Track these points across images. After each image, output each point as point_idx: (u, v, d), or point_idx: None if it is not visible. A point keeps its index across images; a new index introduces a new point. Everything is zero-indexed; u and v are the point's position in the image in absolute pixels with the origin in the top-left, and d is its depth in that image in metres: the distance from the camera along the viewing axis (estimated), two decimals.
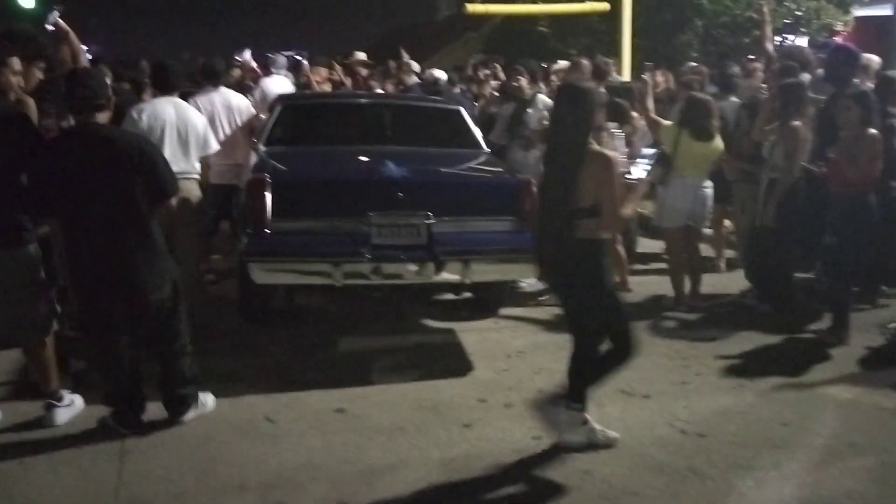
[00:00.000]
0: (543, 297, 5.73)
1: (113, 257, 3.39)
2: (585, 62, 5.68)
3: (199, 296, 5.22)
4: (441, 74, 8.59)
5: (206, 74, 6.13)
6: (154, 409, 3.69)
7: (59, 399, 3.69)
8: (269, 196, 4.44)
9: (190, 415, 3.69)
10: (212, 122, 5.54)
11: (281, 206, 4.45)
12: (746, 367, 4.62)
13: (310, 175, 4.88)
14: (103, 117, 3.47)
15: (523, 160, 6.17)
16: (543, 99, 6.45)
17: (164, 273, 3.52)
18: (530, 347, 4.91)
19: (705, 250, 6.38)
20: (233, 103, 6.00)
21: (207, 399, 3.80)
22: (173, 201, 3.66)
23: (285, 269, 4.48)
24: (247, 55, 9.25)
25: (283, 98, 6.18)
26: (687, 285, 5.75)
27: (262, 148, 5.31)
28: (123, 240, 3.38)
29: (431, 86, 8.18)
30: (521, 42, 19.04)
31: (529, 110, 6.49)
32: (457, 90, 8.61)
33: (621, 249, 6.24)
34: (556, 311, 5.58)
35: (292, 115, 5.75)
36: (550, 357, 4.72)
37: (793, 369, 4.55)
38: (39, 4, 27.36)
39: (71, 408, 3.73)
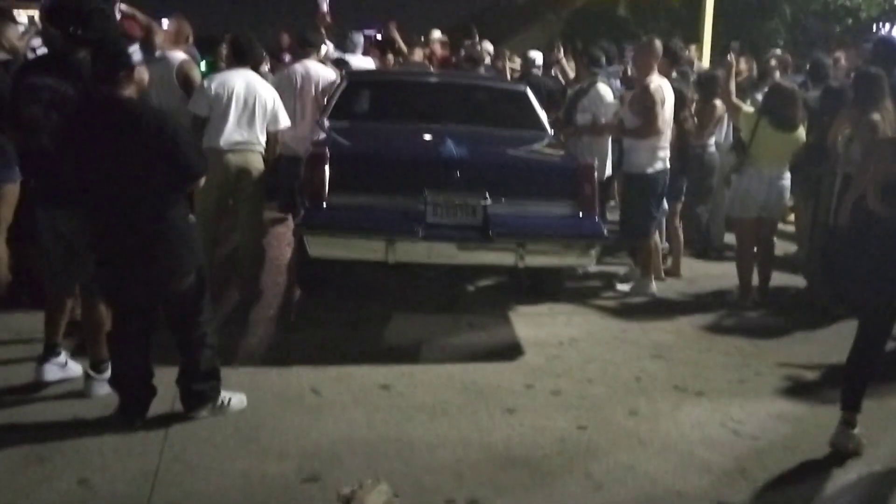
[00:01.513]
0: (624, 288, 5.60)
1: (129, 240, 3.25)
2: (657, 42, 5.44)
3: (260, 267, 5.31)
4: (537, 55, 8.44)
5: (299, 43, 6.57)
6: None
7: (102, 370, 3.66)
8: (327, 170, 4.45)
9: (203, 412, 3.49)
10: (299, 91, 6.05)
11: (338, 181, 4.46)
12: (810, 370, 4.41)
13: (368, 151, 4.88)
14: (127, 91, 3.27)
15: (575, 146, 6.00)
16: (601, 88, 6.24)
17: (185, 260, 3.33)
18: (584, 336, 4.81)
19: (783, 246, 6.13)
20: (313, 74, 6.15)
21: (233, 399, 3.57)
22: (201, 182, 3.47)
23: (339, 243, 4.48)
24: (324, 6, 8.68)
25: (348, 73, 6.19)
26: (756, 279, 5.53)
27: (325, 122, 5.34)
28: (141, 222, 3.23)
29: (528, 67, 8.09)
30: (600, 25, 18.66)
31: (584, 100, 6.30)
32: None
33: (680, 232, 6.06)
34: (614, 300, 5.50)
35: (356, 91, 5.75)
36: (603, 347, 4.62)
37: None
38: None
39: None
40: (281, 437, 3.40)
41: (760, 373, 4.33)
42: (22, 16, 5.38)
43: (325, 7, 8.52)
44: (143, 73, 3.36)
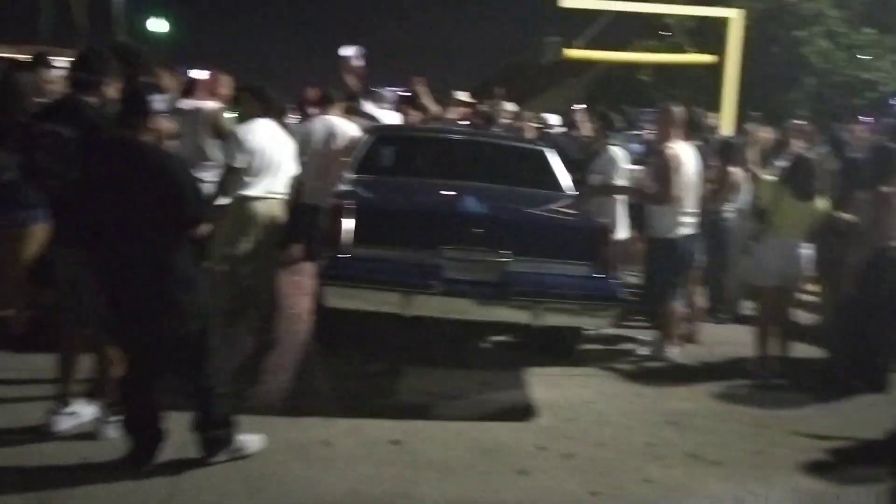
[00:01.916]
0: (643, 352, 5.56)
1: (132, 281, 3.28)
2: (677, 109, 5.51)
3: (275, 314, 5.34)
4: (554, 119, 8.59)
5: (322, 101, 6.71)
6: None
7: (116, 412, 3.62)
8: (348, 222, 4.51)
9: (221, 457, 3.48)
10: (322, 144, 6.22)
11: (358, 233, 4.51)
12: (829, 442, 4.31)
13: (389, 204, 4.94)
14: (143, 136, 3.34)
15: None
16: (613, 151, 6.32)
17: (187, 305, 3.32)
18: (600, 398, 4.75)
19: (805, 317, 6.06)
20: (336, 129, 6.29)
21: (248, 443, 3.57)
22: (203, 228, 3.48)
23: (356, 294, 4.50)
24: (351, 52, 8.41)
25: (373, 128, 6.30)
26: (774, 349, 5.46)
27: (347, 175, 5.42)
28: (143, 263, 3.26)
29: (543, 128, 8.24)
30: (621, 90, 18.95)
31: (597, 162, 6.38)
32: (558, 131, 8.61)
33: (698, 299, 6.03)
34: (631, 364, 5.45)
35: (380, 145, 5.85)
36: (618, 411, 4.57)
37: (884, 455, 4.20)
38: (170, 30, 29.19)
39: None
40: (288, 489, 3.36)
41: (778, 444, 4.25)
42: (61, 61, 5.57)
43: (356, 62, 8.47)
44: (161, 122, 3.44)
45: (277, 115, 5.33)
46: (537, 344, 5.49)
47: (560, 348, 5.40)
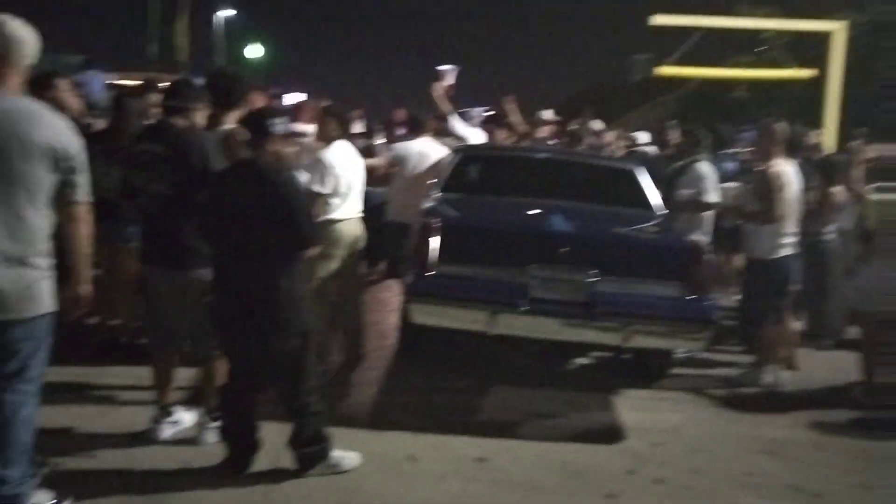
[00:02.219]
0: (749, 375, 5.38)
1: (241, 295, 3.40)
2: (779, 126, 5.31)
3: (362, 331, 5.43)
4: (644, 137, 8.48)
5: (411, 125, 6.81)
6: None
7: (214, 418, 3.79)
8: (435, 240, 4.56)
9: (315, 471, 3.56)
10: (412, 166, 6.24)
11: (445, 251, 4.54)
12: None
13: (476, 223, 4.96)
14: (264, 157, 3.45)
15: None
16: (701, 167, 6.16)
17: (290, 324, 3.42)
18: (690, 424, 4.61)
19: None
20: (425, 152, 6.40)
21: (346, 460, 3.63)
22: (313, 251, 3.57)
23: (442, 311, 4.53)
24: (448, 70, 8.31)
25: (461, 147, 6.36)
26: (881, 376, 5.16)
27: (436, 194, 5.49)
28: (254, 281, 3.36)
29: (631, 146, 8.15)
30: (715, 107, 18.47)
31: (684, 178, 6.22)
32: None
33: (795, 323, 5.78)
34: (724, 389, 5.26)
35: (468, 164, 5.90)
36: (712, 438, 4.42)
37: None
38: (265, 56, 30.43)
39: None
40: (376, 502, 3.40)
41: (884, 478, 4.01)
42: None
43: (449, 80, 8.47)
44: (281, 144, 3.52)
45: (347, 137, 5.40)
46: (626, 365, 5.39)
47: (650, 370, 5.28)
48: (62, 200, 2.87)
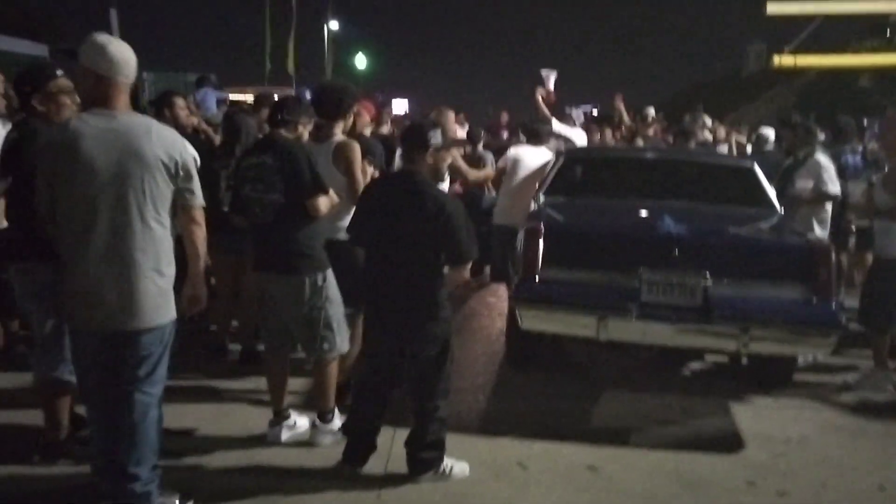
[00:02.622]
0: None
1: (389, 300, 3.50)
2: None
3: (469, 337, 5.46)
4: (770, 132, 8.14)
5: (526, 132, 6.96)
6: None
7: (328, 421, 3.95)
8: (542, 243, 4.51)
9: (426, 476, 3.61)
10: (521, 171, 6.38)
11: (553, 255, 4.49)
12: None
13: (583, 226, 4.87)
14: (423, 165, 3.52)
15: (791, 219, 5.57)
16: (820, 158, 5.81)
17: (434, 334, 3.49)
18: (816, 433, 4.36)
19: None
20: (532, 157, 6.48)
21: (455, 467, 3.67)
22: (467, 267, 3.56)
23: (551, 317, 4.48)
24: (550, 77, 8.49)
25: (566, 150, 6.29)
26: None
27: (541, 197, 5.44)
28: (403, 289, 3.45)
29: (760, 145, 7.85)
30: (837, 97, 17.45)
31: (802, 170, 5.90)
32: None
33: None
34: (852, 396, 4.94)
35: (573, 167, 5.82)
36: (839, 448, 4.17)
37: None
38: (369, 65, 31.19)
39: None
40: None
41: None
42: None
43: (550, 86, 8.49)
44: (436, 156, 3.57)
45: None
46: (745, 371, 5.16)
47: (771, 377, 5.03)
48: (179, 206, 3.03)
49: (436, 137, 3.52)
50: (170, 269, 3.02)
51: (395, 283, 3.47)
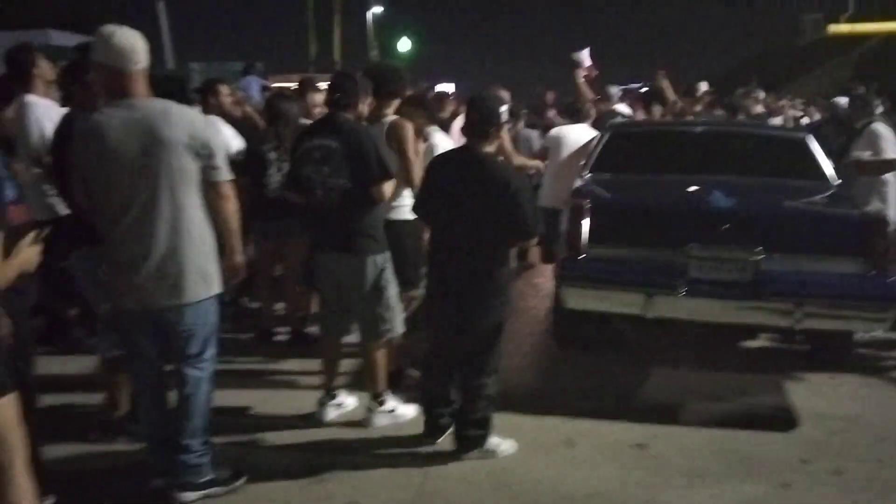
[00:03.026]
0: None
1: (456, 274, 3.52)
2: None
3: (517, 316, 5.44)
4: (843, 101, 7.90)
5: (568, 112, 6.97)
6: None
7: (381, 402, 3.98)
8: (586, 221, 4.46)
9: (473, 454, 3.63)
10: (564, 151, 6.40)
11: (598, 232, 4.43)
12: None
13: (628, 202, 4.79)
14: (488, 146, 3.54)
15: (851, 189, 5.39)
16: (878, 127, 5.61)
17: (491, 309, 3.53)
18: (873, 411, 4.23)
19: None
20: (576, 138, 6.42)
21: (501, 446, 3.68)
22: (533, 241, 3.59)
23: (596, 295, 4.44)
24: (584, 56, 8.46)
25: (612, 125, 6.19)
26: None
27: (586, 174, 5.37)
28: (473, 262, 3.49)
29: (802, 115, 7.68)
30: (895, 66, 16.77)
31: (859, 140, 5.71)
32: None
33: None
34: None
35: (620, 142, 5.71)
36: None
37: None
38: (414, 48, 31.20)
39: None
40: (532, 486, 3.40)
41: None
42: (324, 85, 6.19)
43: (587, 62, 8.39)
44: (504, 136, 3.63)
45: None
46: (799, 348, 5.03)
47: (827, 354, 4.90)
48: (207, 183, 3.07)
49: (505, 114, 3.53)
50: (205, 246, 3.08)
51: (460, 259, 3.50)
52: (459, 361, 3.65)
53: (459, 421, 3.65)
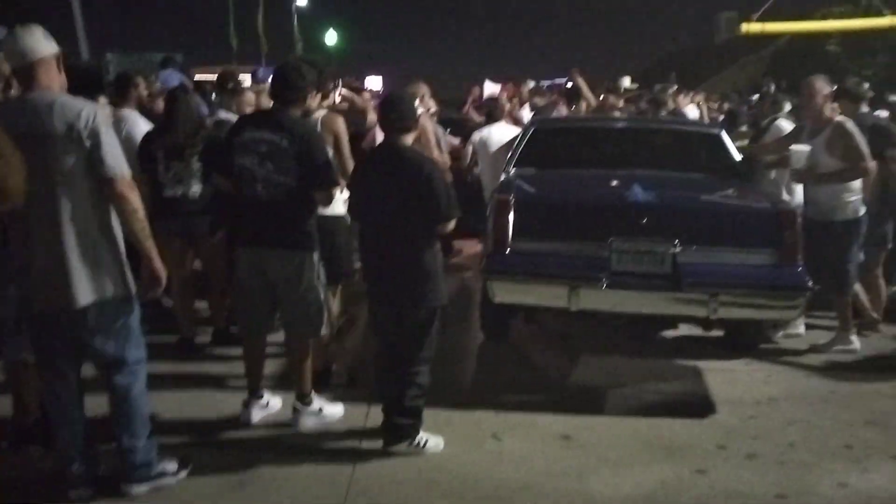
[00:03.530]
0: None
1: (387, 264, 3.59)
2: (819, 82, 5.01)
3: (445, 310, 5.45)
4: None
5: (487, 114, 7.05)
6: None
7: (307, 403, 3.91)
8: (511, 216, 4.50)
9: (401, 446, 3.63)
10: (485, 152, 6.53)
11: (522, 227, 4.49)
12: None
13: (552, 197, 4.87)
14: (408, 138, 3.63)
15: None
16: (780, 125, 5.90)
17: (423, 296, 3.56)
18: (785, 395, 4.43)
19: None
20: (504, 135, 6.52)
21: (430, 441, 3.68)
22: (450, 225, 3.64)
23: (523, 289, 4.49)
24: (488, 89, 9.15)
25: (534, 121, 6.27)
26: None
27: (510, 169, 5.42)
28: (400, 251, 3.54)
29: (716, 110, 7.96)
30: (807, 63, 17.53)
31: (766, 137, 5.99)
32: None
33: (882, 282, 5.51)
34: (820, 358, 5.02)
35: (542, 138, 5.79)
36: (808, 409, 4.24)
37: None
38: (340, 42, 30.83)
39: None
40: (462, 483, 3.42)
41: None
42: (246, 77, 6.07)
43: (485, 93, 8.80)
44: (424, 127, 3.68)
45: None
46: (714, 337, 5.22)
47: (740, 342, 5.10)
48: (99, 180, 2.94)
49: (416, 110, 3.66)
50: (102, 246, 2.98)
51: (390, 252, 3.56)
52: (397, 353, 3.66)
53: (391, 409, 3.64)
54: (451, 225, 3.63)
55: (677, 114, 8.64)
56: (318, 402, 3.96)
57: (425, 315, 3.60)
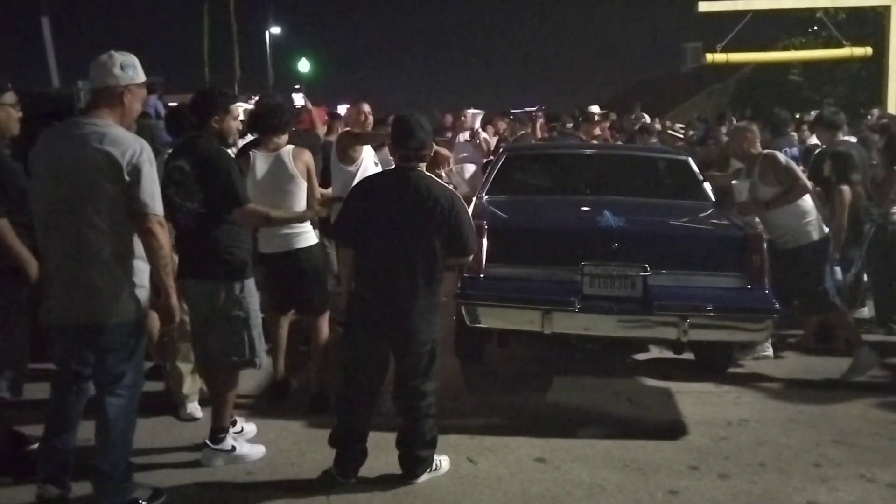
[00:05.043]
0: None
1: (394, 296, 3.44)
2: (753, 127, 5.37)
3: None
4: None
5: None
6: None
7: (220, 440, 3.76)
8: (484, 241, 4.55)
9: (424, 477, 3.62)
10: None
11: (496, 252, 4.54)
12: None
13: (524, 223, 4.94)
14: (423, 165, 3.54)
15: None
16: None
17: (431, 330, 3.51)
18: (755, 416, 4.50)
19: None
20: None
21: (443, 462, 3.73)
22: (470, 259, 3.61)
23: (496, 313, 4.53)
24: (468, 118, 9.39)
25: (506, 148, 6.37)
26: None
27: (483, 196, 5.49)
28: (411, 283, 3.42)
29: (683, 138, 8.18)
30: (770, 92, 18.00)
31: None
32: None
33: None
34: (788, 379, 5.11)
35: (513, 165, 5.88)
36: (778, 430, 4.31)
37: None
38: (312, 70, 30.99)
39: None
40: None
41: None
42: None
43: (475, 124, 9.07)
44: (440, 151, 3.67)
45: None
46: (686, 359, 5.29)
47: (711, 363, 5.17)
48: (132, 213, 3.12)
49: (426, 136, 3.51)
50: (122, 268, 3.09)
51: (397, 281, 3.43)
52: (396, 387, 3.61)
53: (410, 443, 3.59)
54: (470, 258, 3.62)
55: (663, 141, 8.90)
56: (231, 440, 3.80)
57: (432, 347, 3.54)
